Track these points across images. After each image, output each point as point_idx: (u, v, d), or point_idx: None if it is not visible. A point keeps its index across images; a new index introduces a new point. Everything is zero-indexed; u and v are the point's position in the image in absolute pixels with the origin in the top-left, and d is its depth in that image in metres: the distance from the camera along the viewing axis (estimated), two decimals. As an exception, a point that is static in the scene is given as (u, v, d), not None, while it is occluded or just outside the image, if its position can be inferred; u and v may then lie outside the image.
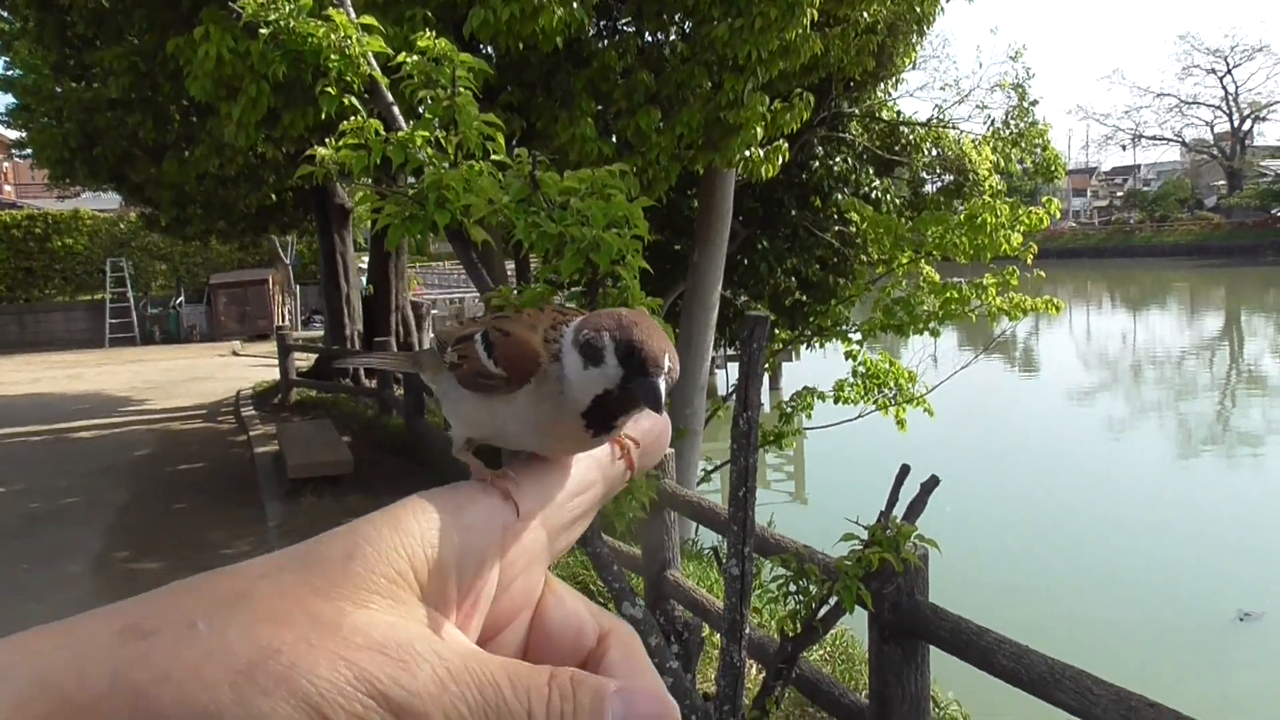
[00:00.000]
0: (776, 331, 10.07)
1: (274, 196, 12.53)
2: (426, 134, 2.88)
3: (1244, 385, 23.49)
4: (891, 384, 9.72)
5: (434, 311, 20.03)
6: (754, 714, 3.13)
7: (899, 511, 3.20)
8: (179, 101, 8.54)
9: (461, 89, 2.89)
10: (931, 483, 3.11)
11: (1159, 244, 64.85)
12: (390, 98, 3.17)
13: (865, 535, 3.00)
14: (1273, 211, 62.83)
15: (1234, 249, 59.71)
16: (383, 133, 2.91)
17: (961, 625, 3.26)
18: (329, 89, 3.08)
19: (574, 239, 2.63)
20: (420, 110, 3.00)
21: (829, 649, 5.46)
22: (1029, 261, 8.55)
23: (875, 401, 9.56)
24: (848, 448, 13.36)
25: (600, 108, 6.67)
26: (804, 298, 9.81)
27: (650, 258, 9.90)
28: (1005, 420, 18.96)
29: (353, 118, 2.89)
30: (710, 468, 9.70)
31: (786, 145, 7.00)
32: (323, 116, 3.07)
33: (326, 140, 2.87)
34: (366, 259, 18.18)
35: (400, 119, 3.13)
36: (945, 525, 11.06)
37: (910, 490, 3.24)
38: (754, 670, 4.72)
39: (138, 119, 8.65)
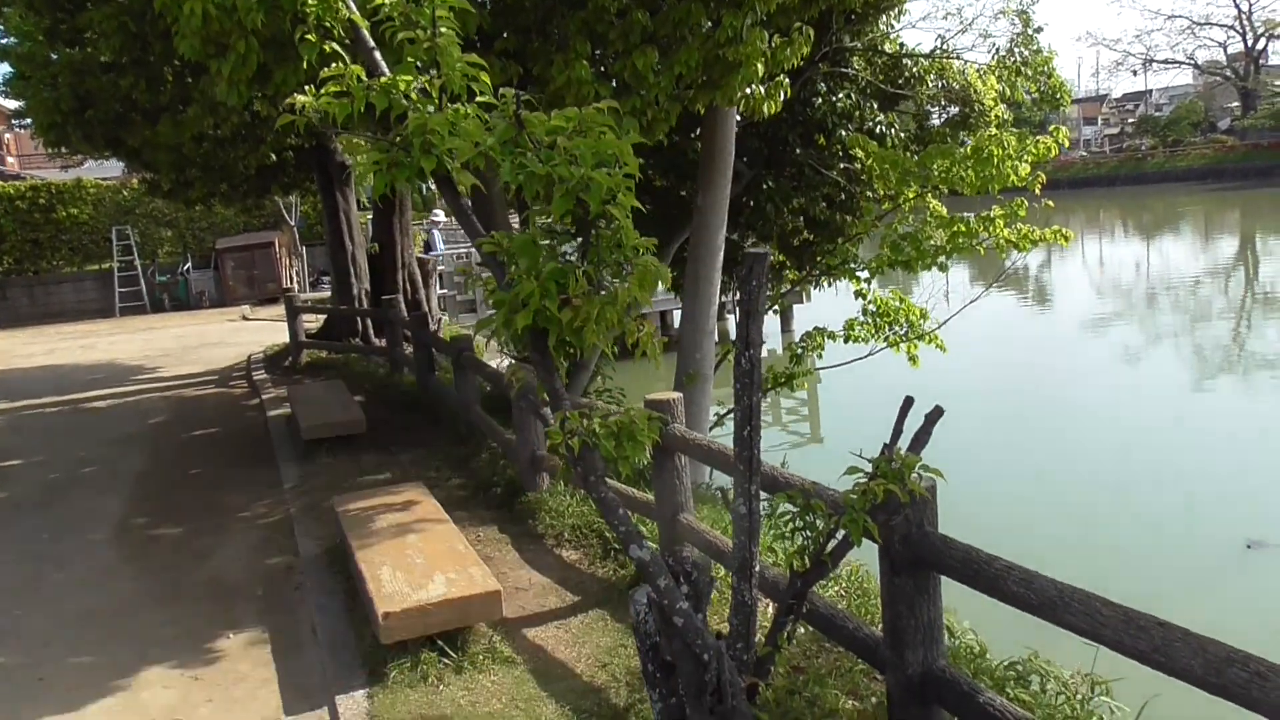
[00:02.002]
0: (785, 272, 10.00)
1: (273, 156, 12.41)
2: (409, 78, 2.81)
3: (1260, 308, 23.27)
4: (902, 321, 9.67)
5: (440, 268, 19.94)
6: (766, 650, 3.14)
7: (905, 444, 3.17)
8: (171, 62, 8.42)
9: (443, 30, 2.82)
10: (936, 414, 3.08)
11: (1172, 169, 63.92)
12: (371, 42, 3.10)
13: (870, 468, 2.98)
14: (1288, 132, 61.74)
15: (1249, 171, 58.80)
16: (365, 79, 2.85)
17: (971, 554, 3.25)
18: (309, 36, 3.01)
19: (562, 179, 2.59)
20: (402, 54, 2.93)
21: (844, 585, 5.48)
22: (1037, 192, 8.43)
23: (886, 339, 9.52)
24: (863, 387, 13.31)
25: (597, 50, 6.55)
26: (811, 237, 9.71)
27: (654, 203, 9.78)
28: (1019, 353, 18.87)
29: (334, 64, 2.83)
30: (723, 411, 9.70)
31: (788, 81, 6.87)
32: (304, 64, 3.01)
33: (307, 89, 2.81)
34: (371, 217, 18.09)
35: (383, 65, 3.06)
36: (957, 459, 11.06)
37: (917, 423, 3.22)
38: (769, 608, 4.74)
39: (130, 81, 8.54)
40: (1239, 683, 2.40)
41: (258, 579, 6.49)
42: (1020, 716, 3.21)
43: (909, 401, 3.15)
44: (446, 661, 4.84)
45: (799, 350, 9.18)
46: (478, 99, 2.84)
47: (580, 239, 2.92)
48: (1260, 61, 71.39)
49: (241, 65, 5.08)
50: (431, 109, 2.78)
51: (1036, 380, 16.06)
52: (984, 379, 15.90)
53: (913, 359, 9.41)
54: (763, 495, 3.75)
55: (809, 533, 3.09)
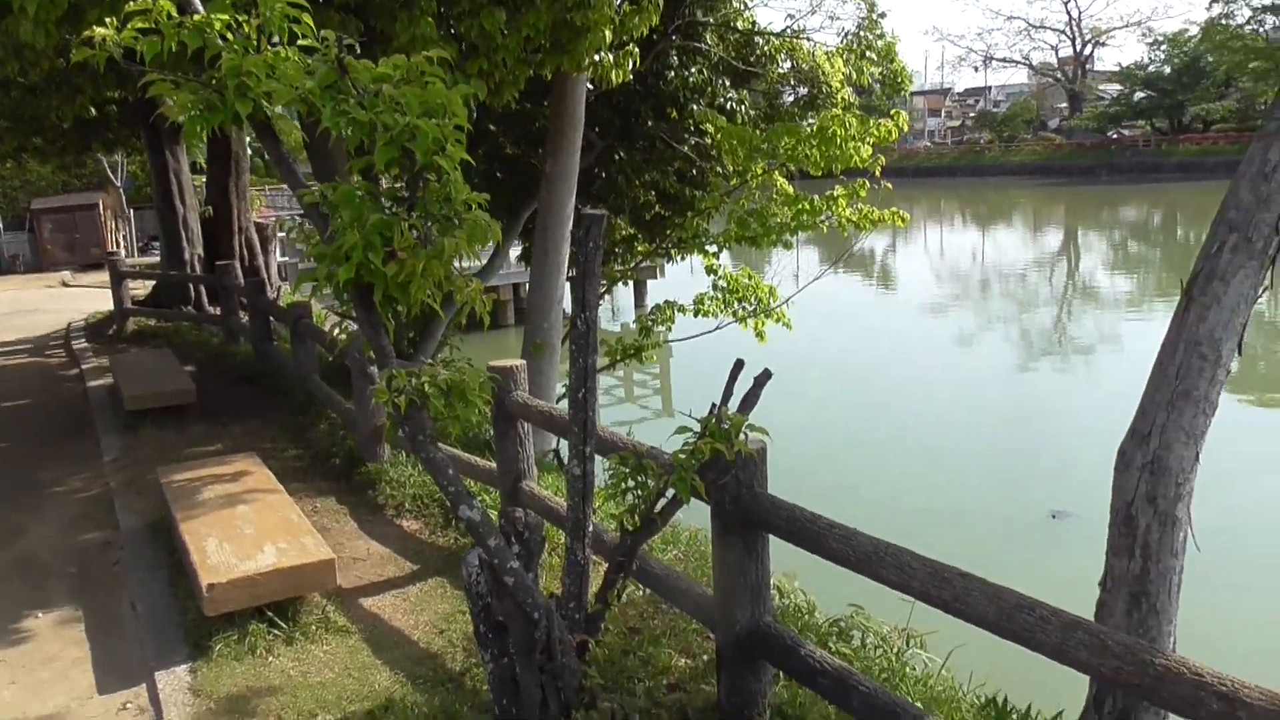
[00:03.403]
0: (636, 245, 10.06)
1: (93, 110, 11.55)
2: (225, 16, 2.66)
3: (1079, 298, 24.92)
4: (751, 298, 9.89)
5: (280, 234, 19.11)
6: (597, 607, 3.17)
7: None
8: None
9: (263, -33, 2.68)
10: (764, 376, 3.16)
11: (1006, 163, 67.62)
12: (186, -23, 2.92)
13: (699, 428, 3.03)
14: (1109, 134, 66.30)
15: (1073, 169, 62.82)
16: (175, 15, 2.68)
17: (796, 513, 3.36)
18: (114, -35, 2.81)
19: (387, 127, 2.51)
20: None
21: (683, 549, 5.59)
22: (877, 174, 8.75)
23: (735, 314, 9.72)
24: (715, 363, 13.57)
25: (442, 8, 6.38)
26: (663, 211, 9.80)
27: (504, 171, 9.65)
28: (861, 333, 19.65)
29: (142, -3, 2.65)
30: (571, 383, 9.74)
31: (638, 51, 6.89)
32: (120, 3, 2.80)
33: (108, 21, 2.62)
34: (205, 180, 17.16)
35: (198, 3, 2.88)
36: (797, 429, 11.39)
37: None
38: (604, 569, 4.78)
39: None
40: (1026, 627, 2.58)
41: (72, 556, 6.09)
42: (838, 666, 3.35)
43: (739, 364, 3.22)
44: (276, 633, 4.68)
45: (649, 323, 9.27)
46: (300, 43, 2.72)
47: (408, 191, 2.84)
48: (1087, 66, 76.34)
49: (49, 3, 4.72)
50: (248, 50, 2.64)
51: (875, 358, 16.77)
52: (828, 355, 16.50)
53: (760, 335, 9.65)
54: (599, 458, 3.78)
55: (640, 492, 3.13)
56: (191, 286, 14.72)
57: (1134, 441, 3.65)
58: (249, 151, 15.95)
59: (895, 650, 4.34)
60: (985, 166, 68.58)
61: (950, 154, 74.27)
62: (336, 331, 7.78)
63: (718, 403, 3.09)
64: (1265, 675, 2.19)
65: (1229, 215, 3.48)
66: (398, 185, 2.92)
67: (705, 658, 4.19)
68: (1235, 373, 14.94)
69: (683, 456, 3.01)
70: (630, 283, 21.25)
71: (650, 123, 9.42)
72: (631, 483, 3.13)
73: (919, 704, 3.37)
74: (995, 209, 52.99)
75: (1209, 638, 3.71)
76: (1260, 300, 3.55)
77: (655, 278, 21.22)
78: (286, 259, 19.36)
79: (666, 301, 9.37)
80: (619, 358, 8.78)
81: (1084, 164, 62.73)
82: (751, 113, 9.86)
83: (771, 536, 3.59)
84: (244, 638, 4.61)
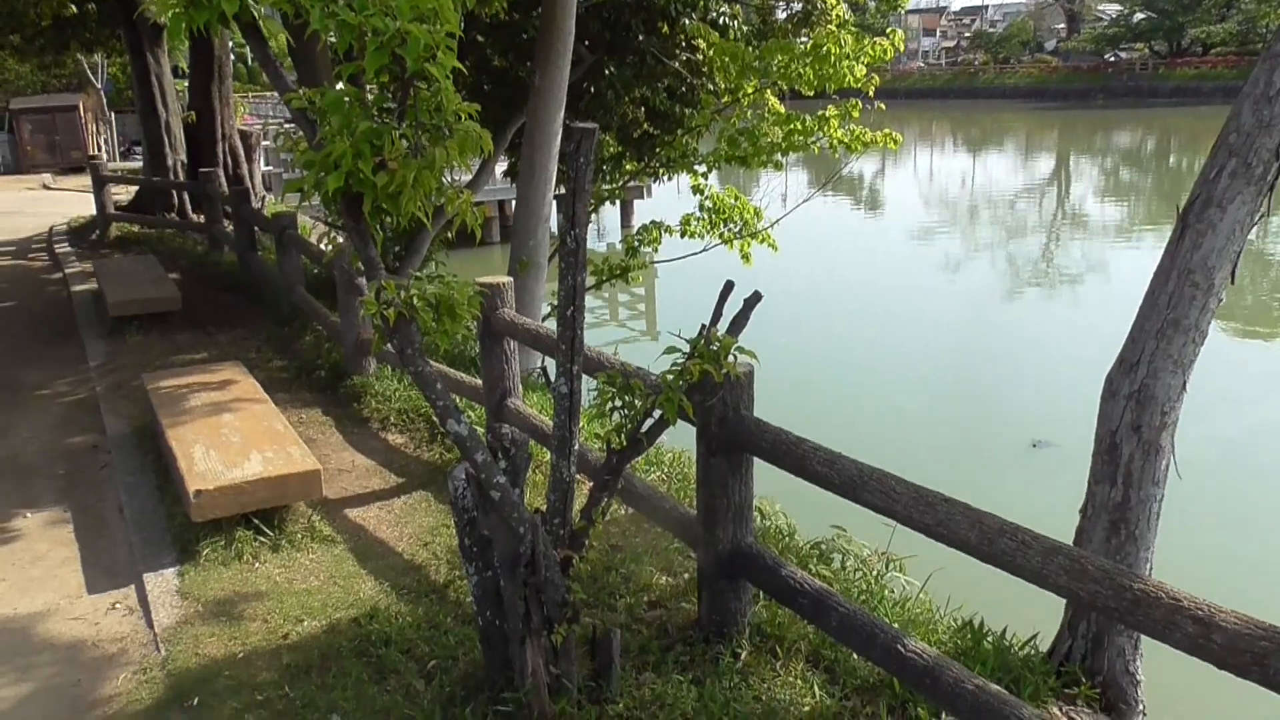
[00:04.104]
0: (624, 163, 9.91)
1: (73, 7, 11.19)
2: (207, -92, 2.55)
3: (1069, 226, 24.85)
4: (737, 219, 9.80)
5: (265, 143, 18.71)
6: (581, 524, 3.19)
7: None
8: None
9: None
10: (754, 299, 3.14)
11: (1000, 86, 66.71)
12: None
13: (688, 350, 3.02)
14: (1105, 56, 65.36)
15: (1069, 92, 62.05)
16: (155, -95, 2.56)
17: (781, 436, 3.38)
18: None
19: (377, 31, 2.42)
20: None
21: (666, 470, 5.64)
22: (870, 94, 8.61)
23: (721, 236, 9.64)
24: (701, 285, 13.53)
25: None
26: (652, 129, 9.63)
27: (492, 83, 9.41)
28: (849, 257, 19.59)
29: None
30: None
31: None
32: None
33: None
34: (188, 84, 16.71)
35: (179, -108, 2.75)
36: (783, 352, 11.44)
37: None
38: (590, 488, 4.82)
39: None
40: (1007, 551, 2.62)
41: (59, 458, 6.10)
42: (817, 587, 3.41)
43: (729, 286, 3.20)
44: (263, 540, 4.73)
45: (635, 243, 9.19)
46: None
47: (398, 99, 2.77)
48: (1087, -15, 74.85)
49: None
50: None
51: (861, 284, 16.74)
52: (814, 280, 16.47)
53: (745, 257, 9.59)
54: (586, 378, 3.77)
55: (627, 412, 3.13)
56: (175, 193, 14.45)
57: (1121, 370, 3.66)
58: (232, 57, 15.51)
59: (875, 573, 4.42)
60: (979, 89, 67.67)
61: (944, 75, 73.18)
62: (324, 244, 7.67)
63: (707, 324, 3.07)
64: (1238, 601, 2.23)
65: (1229, 139, 3.44)
66: (386, 95, 2.84)
67: (686, 576, 4.26)
68: (1224, 303, 15.05)
69: (671, 377, 3.01)
70: (618, 203, 21.05)
71: (641, 37, 9.17)
72: (618, 402, 3.12)
73: (896, 625, 3.44)
74: (987, 133, 52.46)
75: (1185, 565, 3.79)
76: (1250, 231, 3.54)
77: (643, 198, 21.01)
78: (271, 168, 19.00)
79: (653, 222, 9.27)
80: (605, 278, 8.72)
81: (1079, 87, 61.96)
82: (745, 29, 9.63)
83: (755, 459, 3.62)
84: (231, 544, 4.65)
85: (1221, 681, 2.30)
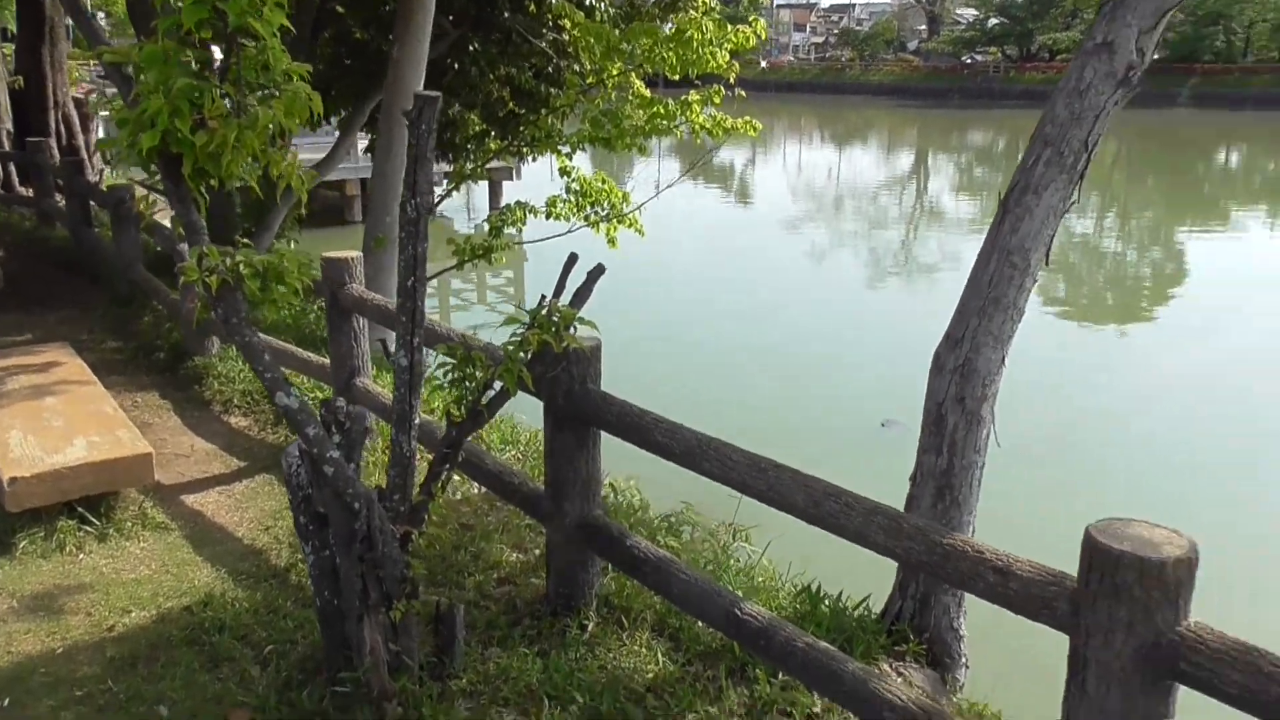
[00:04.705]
0: (488, 142, 9.77)
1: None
2: None
3: (925, 219, 25.87)
4: (604, 202, 9.78)
5: (104, 113, 17.61)
6: (420, 498, 3.14)
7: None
8: None
9: None
10: (597, 271, 3.15)
11: (866, 82, 68.84)
12: None
13: (527, 320, 3.00)
14: (963, 58, 68.31)
15: (927, 91, 64.56)
16: None
17: (626, 408, 3.40)
18: None
19: (192, -20, 2.31)
20: None
21: (522, 449, 5.62)
22: (732, 80, 8.73)
23: (587, 218, 9.61)
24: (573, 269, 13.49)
25: None
26: (517, 108, 9.52)
27: (353, 56, 9.07)
28: (717, 244, 19.90)
29: None
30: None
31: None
32: None
33: None
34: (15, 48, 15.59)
35: None
36: (641, 336, 11.50)
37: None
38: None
39: None
40: (832, 513, 2.71)
41: None
42: (660, 556, 3.45)
43: (573, 258, 3.19)
44: (88, 529, 4.47)
45: (500, 223, 9.09)
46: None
47: (224, 56, 2.65)
48: (946, -12, 77.98)
49: None
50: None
51: (727, 270, 17.03)
52: (681, 265, 16.67)
53: (612, 240, 9.59)
54: (429, 351, 3.71)
55: (468, 383, 3.09)
56: None
57: (947, 346, 3.84)
58: (66, 18, 14.54)
59: (721, 544, 4.52)
60: (846, 84, 69.65)
61: (813, 70, 75.03)
62: (142, 206, 7.28)
63: (548, 295, 3.06)
64: (1043, 554, 2.35)
65: (1044, 130, 3.64)
66: (208, 52, 2.71)
67: (537, 552, 4.25)
68: (1062, 294, 15.92)
69: (511, 348, 2.98)
70: (487, 184, 20.80)
71: (507, 14, 9.06)
72: (459, 374, 3.08)
73: (739, 593, 3.51)
74: (852, 128, 54.09)
75: (1006, 526, 4.00)
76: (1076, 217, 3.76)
77: (511, 179, 20.81)
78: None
79: (517, 202, 9.18)
80: (467, 258, 8.58)
81: (938, 87, 64.55)
82: (611, 10, 9.63)
83: (604, 434, 3.64)
84: (51, 535, 4.39)
85: (1034, 636, 2.44)
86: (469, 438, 3.24)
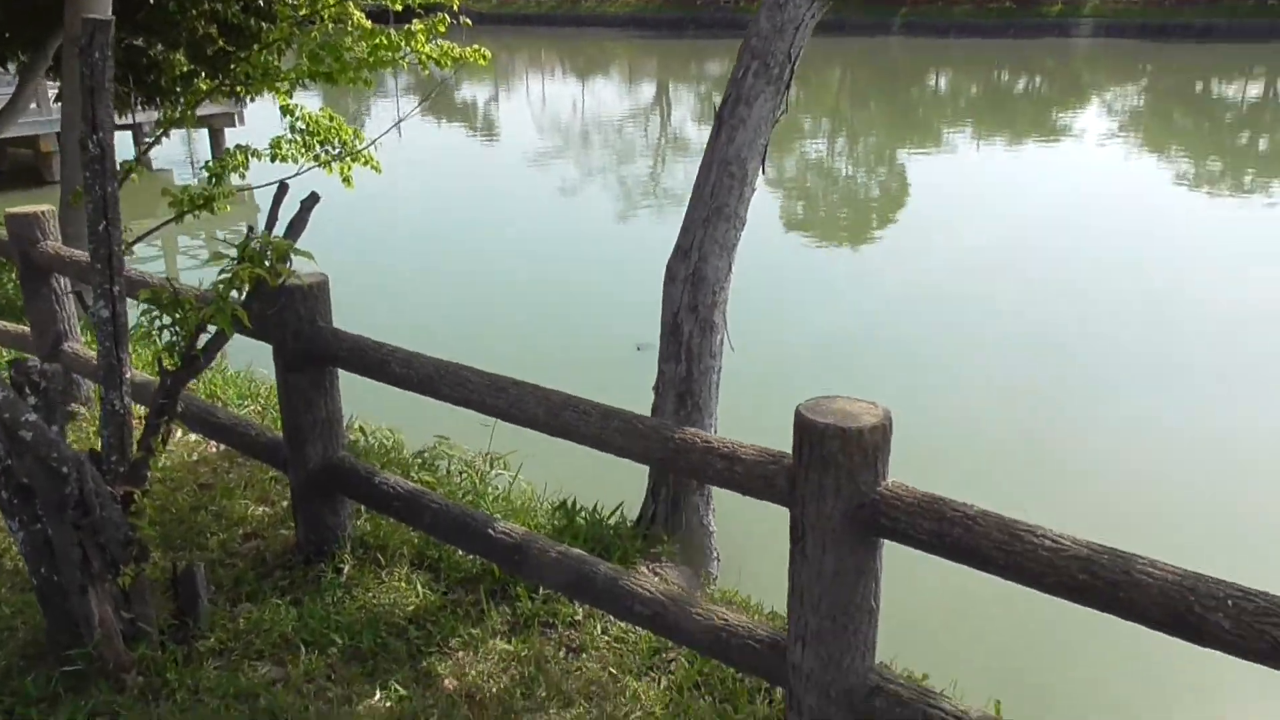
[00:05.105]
0: (198, 82, 9.03)
1: None
2: None
3: (671, 149, 26.51)
4: (335, 141, 9.33)
5: None
6: (139, 455, 2.92)
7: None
8: None
9: None
10: (311, 200, 3.01)
11: (603, 14, 69.03)
12: None
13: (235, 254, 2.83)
14: (696, -13, 69.90)
15: (663, 22, 65.69)
16: None
17: (360, 342, 3.30)
18: None
19: None
20: None
21: (264, 402, 5.35)
22: (455, 7, 8.51)
23: (317, 158, 9.14)
24: (318, 216, 12.82)
25: None
26: (226, 45, 8.82)
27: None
28: (463, 181, 19.55)
29: None
30: (133, 238, 8.72)
31: None
32: None
33: None
34: None
35: None
36: (394, 279, 11.18)
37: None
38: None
39: None
40: (571, 422, 2.77)
41: None
42: (410, 489, 3.42)
43: (283, 188, 3.04)
44: None
45: (220, 170, 8.46)
46: None
47: None
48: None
49: None
50: None
51: (475, 206, 16.79)
52: (428, 203, 16.29)
53: (346, 180, 9.18)
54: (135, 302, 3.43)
55: (178, 329, 2.89)
56: None
57: (678, 257, 3.99)
58: None
59: (479, 474, 4.52)
60: (583, 16, 69.56)
61: (549, 2, 74.36)
62: None
63: (253, 227, 2.90)
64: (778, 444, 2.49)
65: (751, 43, 3.81)
66: None
67: (284, 504, 4.09)
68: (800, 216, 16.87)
69: (221, 286, 2.81)
70: (208, 132, 19.34)
71: (204, -60, 8.34)
72: (167, 319, 2.87)
73: (497, 515, 3.54)
74: (593, 61, 54.24)
75: (746, 422, 4.23)
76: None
77: (234, 125, 19.37)
78: None
79: (238, 146, 8.56)
80: (187, 209, 7.94)
81: (673, 17, 65.79)
82: (323, -63, 9.07)
83: (347, 375, 3.52)
84: None
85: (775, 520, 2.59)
86: (186, 387, 3.05)
